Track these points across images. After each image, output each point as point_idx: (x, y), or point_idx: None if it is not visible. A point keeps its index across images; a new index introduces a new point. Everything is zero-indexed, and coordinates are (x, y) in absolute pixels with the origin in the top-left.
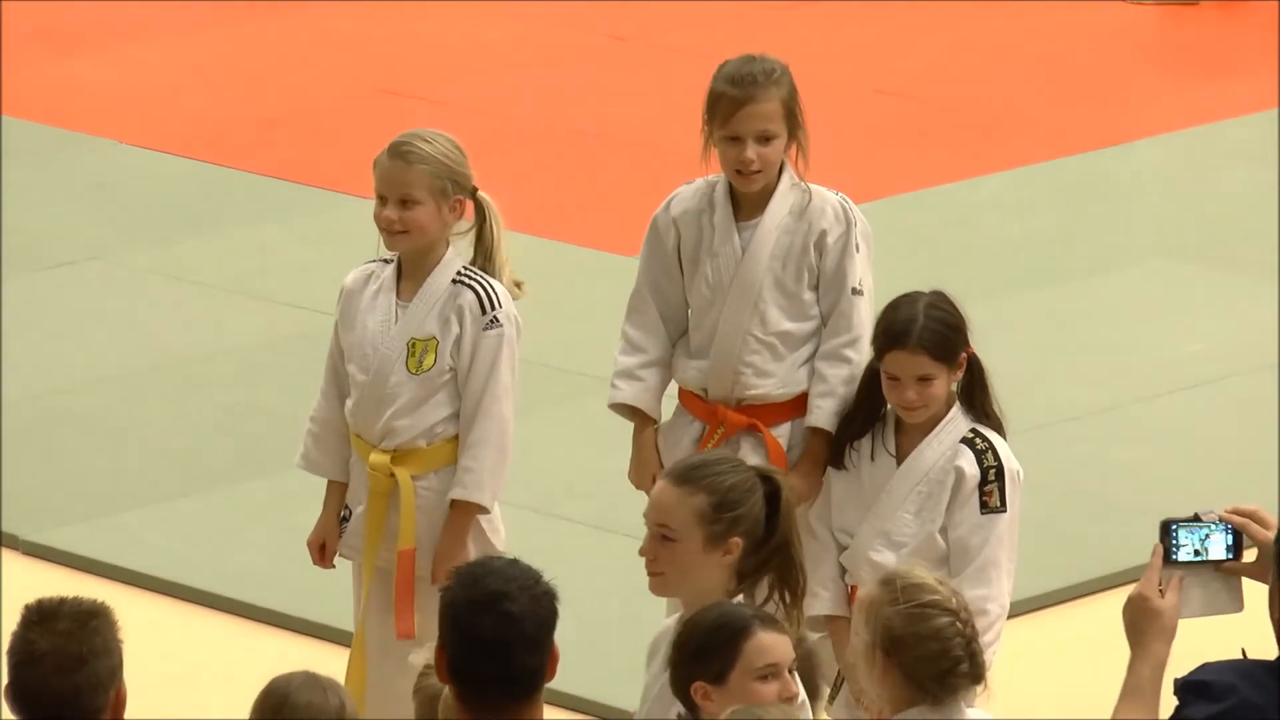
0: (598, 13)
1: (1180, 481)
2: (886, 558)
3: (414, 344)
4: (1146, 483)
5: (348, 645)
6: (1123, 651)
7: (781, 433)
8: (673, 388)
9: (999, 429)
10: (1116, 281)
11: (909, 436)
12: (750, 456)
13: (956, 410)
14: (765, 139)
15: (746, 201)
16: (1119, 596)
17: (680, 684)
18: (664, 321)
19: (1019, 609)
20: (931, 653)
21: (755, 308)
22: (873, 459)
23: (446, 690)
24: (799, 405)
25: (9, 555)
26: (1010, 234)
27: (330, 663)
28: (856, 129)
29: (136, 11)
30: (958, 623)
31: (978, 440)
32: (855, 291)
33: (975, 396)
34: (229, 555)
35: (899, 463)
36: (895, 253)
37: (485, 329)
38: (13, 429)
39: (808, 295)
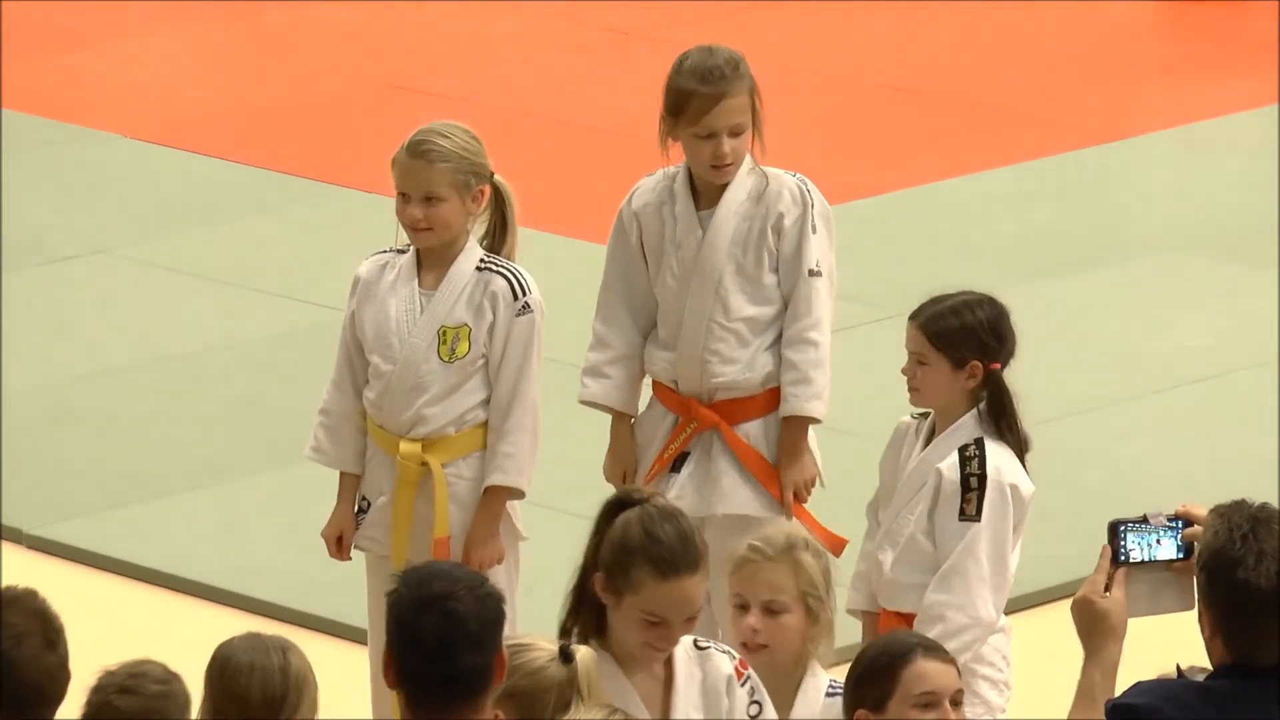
0: (600, 7)
1: (1184, 475)
2: (887, 556)
3: (445, 331)
4: (1150, 477)
5: (353, 639)
6: (1125, 645)
7: (755, 429)
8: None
9: (1016, 448)
10: (1120, 276)
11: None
12: (720, 455)
13: (969, 418)
14: (737, 132)
15: (705, 190)
16: None
17: (848, 711)
18: (632, 314)
19: (1020, 604)
20: None
21: (717, 294)
22: (907, 460)
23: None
24: (770, 402)
25: (12, 549)
26: (1014, 228)
27: (336, 657)
28: (861, 124)
29: (139, 5)
30: None
31: (970, 448)
32: (813, 273)
33: (995, 415)
34: (232, 549)
35: None
36: (899, 248)
37: (518, 315)
38: (16, 423)
39: (769, 279)
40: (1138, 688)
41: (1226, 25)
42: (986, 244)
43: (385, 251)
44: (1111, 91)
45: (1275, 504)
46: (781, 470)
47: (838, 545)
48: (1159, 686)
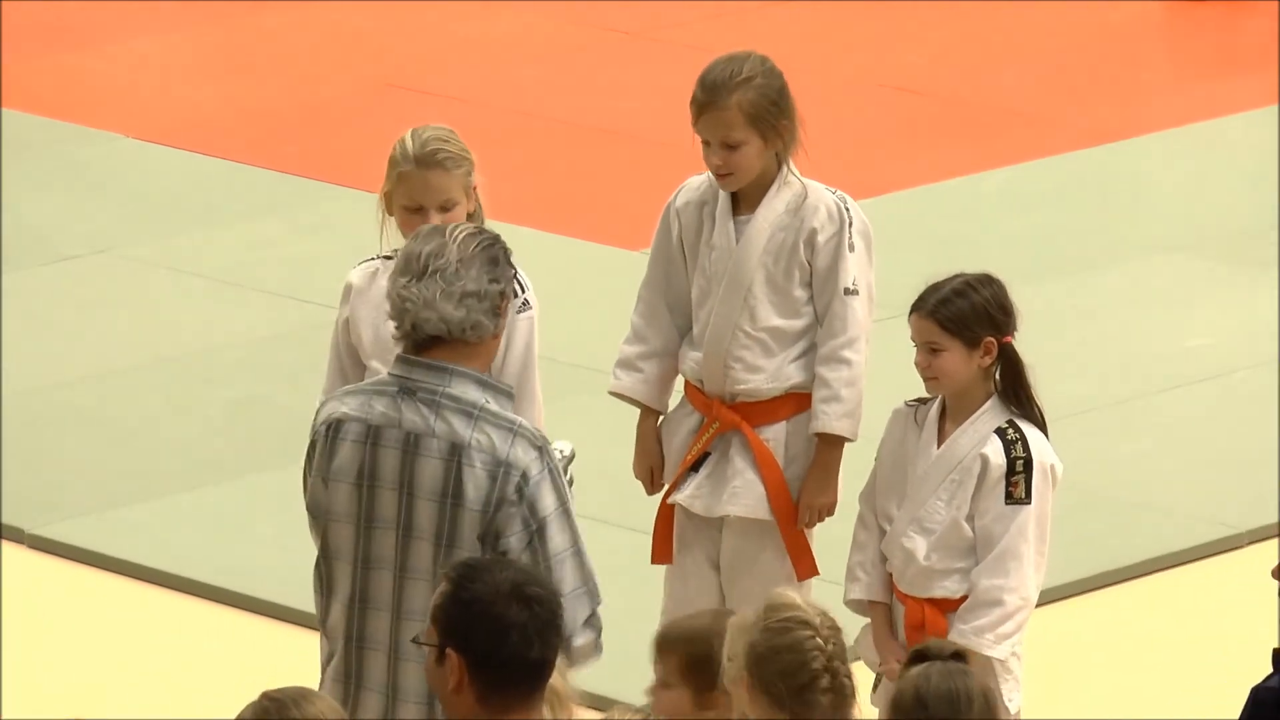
0: (603, 7)
1: (1183, 477)
2: (917, 544)
3: None
4: (1149, 478)
5: None
6: (1123, 647)
7: (775, 433)
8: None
9: (1039, 423)
10: (1121, 276)
11: (951, 424)
12: (737, 456)
13: (994, 400)
14: (729, 145)
15: (745, 196)
16: (1120, 593)
17: None
18: (670, 312)
19: None
20: (787, 666)
21: (745, 302)
22: (918, 446)
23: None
24: (791, 405)
25: (13, 549)
26: (1015, 229)
27: None
28: (862, 124)
29: (139, 5)
30: (817, 637)
31: (1010, 431)
32: (849, 291)
33: (1012, 389)
34: (233, 548)
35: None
36: (901, 248)
37: (518, 312)
38: (17, 422)
39: (799, 292)
40: None
41: (1227, 25)
42: (987, 244)
43: (373, 259)
44: (1112, 92)
45: (1275, 503)
46: (804, 489)
47: (807, 571)
48: None
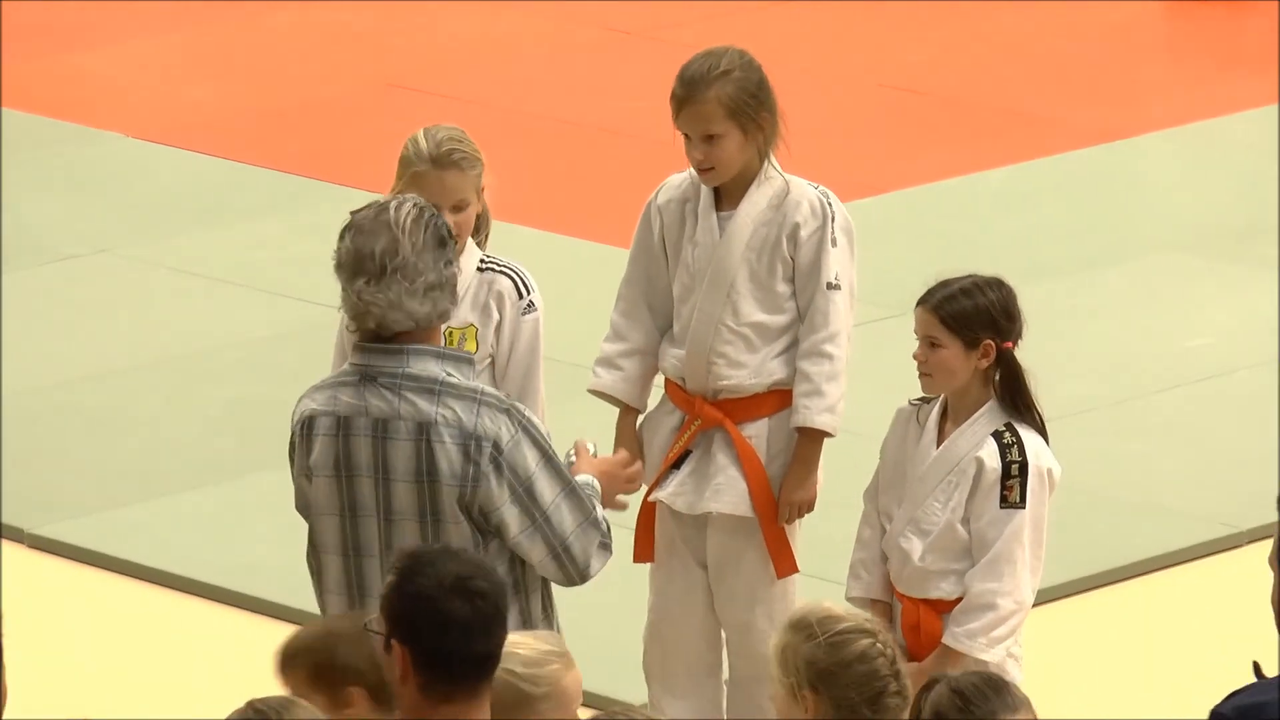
0: (602, 7)
1: (1183, 477)
2: (914, 544)
3: (450, 333)
4: (1150, 477)
5: None
6: (1123, 647)
7: (758, 430)
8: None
9: (1038, 428)
10: (1122, 275)
11: (951, 425)
12: (719, 453)
13: (993, 404)
14: (709, 138)
15: (727, 192)
16: (1120, 592)
17: None
18: (651, 310)
19: None
20: (860, 676)
21: (728, 298)
22: (919, 447)
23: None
24: (774, 402)
25: (14, 548)
26: (1015, 228)
27: None
28: (861, 123)
29: (139, 5)
30: (878, 643)
31: (1006, 434)
32: (831, 286)
33: (1011, 393)
34: (234, 548)
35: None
36: (901, 248)
37: (523, 313)
38: (18, 422)
39: (782, 288)
40: (1257, 687)
41: (1226, 25)
42: (987, 244)
43: None
44: (1112, 91)
45: (1275, 504)
46: (785, 485)
47: (787, 569)
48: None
